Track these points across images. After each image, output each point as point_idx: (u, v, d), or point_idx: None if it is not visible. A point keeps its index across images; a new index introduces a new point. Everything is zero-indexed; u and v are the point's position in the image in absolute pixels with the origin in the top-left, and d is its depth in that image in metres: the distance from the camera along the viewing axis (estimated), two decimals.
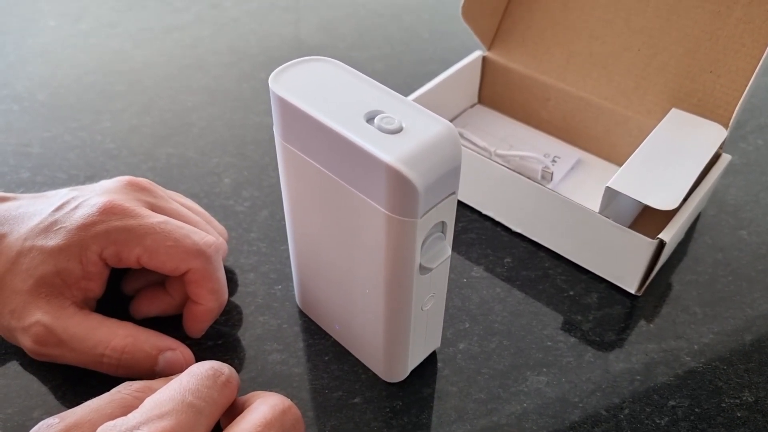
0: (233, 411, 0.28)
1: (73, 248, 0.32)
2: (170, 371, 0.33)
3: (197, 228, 0.35)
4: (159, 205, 0.36)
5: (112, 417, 0.26)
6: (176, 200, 0.39)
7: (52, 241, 0.32)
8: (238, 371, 0.31)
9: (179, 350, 0.33)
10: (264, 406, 0.27)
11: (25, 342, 0.32)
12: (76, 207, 0.33)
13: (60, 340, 0.32)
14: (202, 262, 0.34)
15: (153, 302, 0.36)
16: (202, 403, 0.26)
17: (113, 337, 0.32)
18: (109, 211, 0.33)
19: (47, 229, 0.33)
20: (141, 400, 0.26)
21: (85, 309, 0.33)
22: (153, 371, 0.33)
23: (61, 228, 0.32)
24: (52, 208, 0.33)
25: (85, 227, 0.32)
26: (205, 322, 0.35)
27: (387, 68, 0.58)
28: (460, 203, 0.45)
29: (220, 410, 0.27)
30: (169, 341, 0.34)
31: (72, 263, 0.32)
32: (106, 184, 0.36)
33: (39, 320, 0.31)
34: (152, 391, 0.27)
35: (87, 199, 0.34)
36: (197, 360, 0.33)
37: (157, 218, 0.34)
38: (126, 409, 0.26)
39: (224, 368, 0.28)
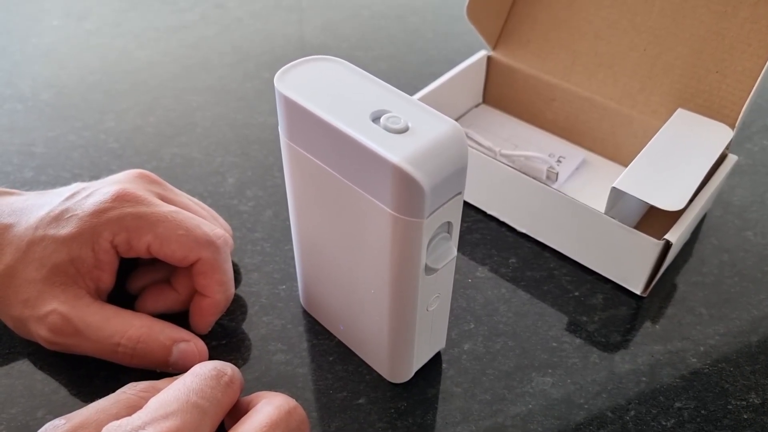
0: (237, 411, 0.28)
1: (85, 235, 0.32)
2: (183, 362, 0.33)
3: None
4: (169, 198, 0.36)
5: (118, 417, 0.26)
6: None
7: (65, 229, 0.32)
8: (242, 371, 0.31)
9: (193, 342, 0.34)
10: (269, 406, 0.27)
11: (40, 331, 0.32)
12: (89, 195, 0.33)
13: (76, 329, 0.32)
14: (212, 252, 0.34)
15: (159, 298, 0.36)
16: (206, 403, 0.26)
17: (129, 327, 0.32)
18: (122, 198, 0.33)
19: (58, 217, 0.33)
20: (146, 400, 0.26)
21: (99, 300, 0.33)
22: (167, 362, 0.33)
23: (72, 216, 0.32)
24: (62, 198, 0.34)
25: (98, 213, 0.32)
26: (211, 316, 0.35)
27: (391, 68, 0.58)
28: (464, 203, 0.45)
29: (224, 410, 0.27)
30: (183, 333, 0.34)
31: (85, 251, 0.32)
32: (115, 176, 0.36)
33: (55, 309, 0.31)
34: (157, 391, 0.27)
35: (99, 188, 0.34)
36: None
37: (169, 207, 0.34)
38: (131, 409, 0.26)
39: (227, 368, 0.28)
